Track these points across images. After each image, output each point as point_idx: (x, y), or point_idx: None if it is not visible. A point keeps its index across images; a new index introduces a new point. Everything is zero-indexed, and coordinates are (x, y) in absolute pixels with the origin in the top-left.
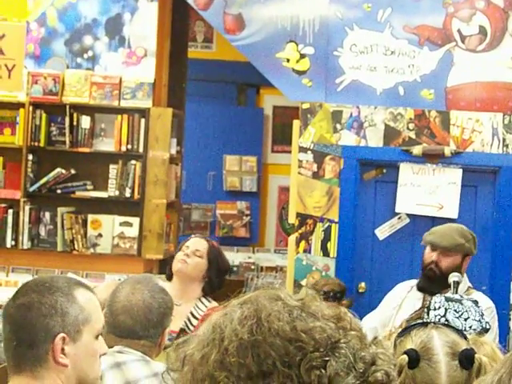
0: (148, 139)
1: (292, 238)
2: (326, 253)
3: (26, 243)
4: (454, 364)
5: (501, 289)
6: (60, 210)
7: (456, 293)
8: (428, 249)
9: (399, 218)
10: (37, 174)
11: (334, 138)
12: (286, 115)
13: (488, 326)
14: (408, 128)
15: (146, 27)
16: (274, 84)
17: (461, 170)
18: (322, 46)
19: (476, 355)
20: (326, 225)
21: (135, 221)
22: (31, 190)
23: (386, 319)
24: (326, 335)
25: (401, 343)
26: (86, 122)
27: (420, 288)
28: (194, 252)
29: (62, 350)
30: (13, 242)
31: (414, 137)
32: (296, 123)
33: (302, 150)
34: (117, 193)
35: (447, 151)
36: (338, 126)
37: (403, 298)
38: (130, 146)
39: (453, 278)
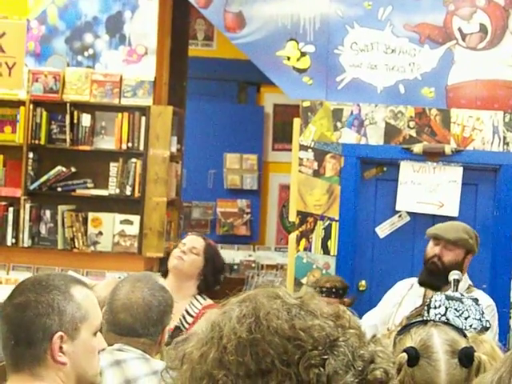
0: (148, 137)
1: (292, 236)
2: (326, 251)
3: (26, 241)
4: (453, 362)
5: (501, 287)
6: (60, 208)
7: (456, 291)
8: (431, 243)
9: (400, 216)
10: (37, 172)
11: (335, 136)
12: (286, 113)
13: (488, 325)
14: (408, 126)
15: (147, 25)
16: (274, 82)
17: (461, 168)
18: (322, 44)
19: (475, 353)
20: (327, 223)
21: (136, 219)
22: (32, 188)
23: (386, 317)
24: (325, 333)
25: (400, 341)
26: (86, 120)
27: (421, 282)
28: (190, 249)
29: (61, 348)
30: (13, 240)
31: (414, 135)
32: (296, 121)
33: (303, 148)
34: (117, 191)
35: (448, 149)
36: (339, 124)
37: (403, 296)
38: (130, 144)
39: (453, 276)
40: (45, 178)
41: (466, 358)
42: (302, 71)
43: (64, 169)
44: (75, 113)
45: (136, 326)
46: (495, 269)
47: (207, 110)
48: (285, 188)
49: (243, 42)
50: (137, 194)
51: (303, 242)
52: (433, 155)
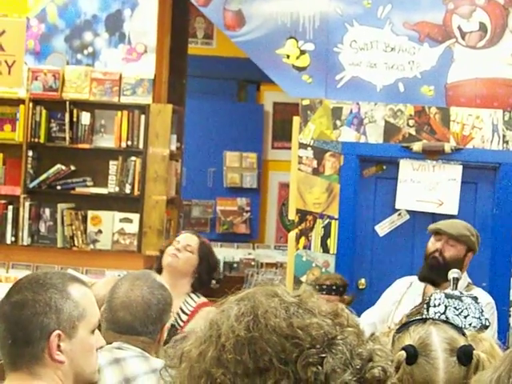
0: (148, 135)
1: (292, 235)
2: (325, 249)
3: (25, 239)
4: (452, 360)
5: (501, 285)
6: (60, 206)
7: (455, 289)
8: (432, 239)
9: (399, 214)
10: (37, 170)
11: (334, 135)
12: (286, 111)
13: (488, 323)
14: (408, 124)
15: (146, 23)
16: (274, 80)
17: (461, 167)
18: (322, 42)
19: (474, 351)
20: (326, 221)
21: (135, 217)
22: (31, 186)
23: (385, 315)
24: (323, 332)
25: (399, 339)
26: (85, 118)
27: (421, 277)
28: (185, 247)
29: (58, 346)
30: (13, 238)
31: (414, 133)
32: (296, 120)
33: (302, 146)
34: (117, 189)
35: (447, 148)
36: (338, 123)
37: (403, 294)
38: (129, 143)
39: (452, 274)
40: (44, 176)
41: (464, 356)
42: (301, 69)
43: (63, 167)
44: (75, 111)
45: (135, 324)
46: (495, 267)
47: (207, 108)
48: (284, 186)
49: (243, 40)
50: (136, 193)
51: (303, 240)
52: (432, 153)
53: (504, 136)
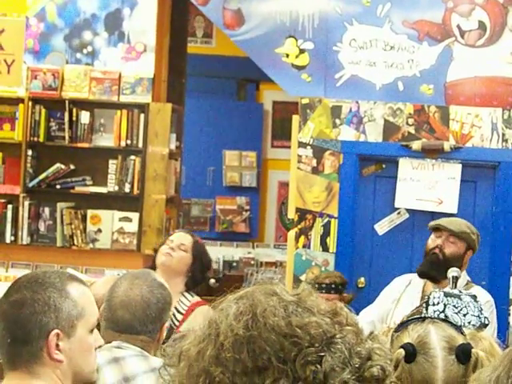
0: (147, 134)
1: (291, 233)
2: (325, 248)
3: (25, 238)
4: (450, 358)
5: (500, 284)
6: (59, 205)
7: (455, 288)
8: (432, 235)
9: (398, 213)
10: (36, 169)
11: (334, 133)
12: (285, 110)
13: (487, 321)
14: (407, 123)
15: (146, 22)
16: (273, 79)
17: (460, 165)
18: (321, 41)
19: (473, 350)
20: (326, 220)
21: (135, 216)
22: (30, 185)
23: (384, 313)
24: (322, 330)
25: (398, 338)
26: (85, 117)
27: (420, 273)
28: (178, 246)
29: (57, 345)
30: (12, 238)
31: (413, 132)
32: (295, 118)
33: (302, 145)
34: (116, 188)
35: (446, 146)
36: (338, 121)
37: (401, 292)
38: (129, 142)
39: (452, 273)
40: (44, 175)
41: (463, 354)
42: (300, 68)
43: (63, 166)
44: (74, 110)
45: (134, 323)
46: (494, 266)
47: (206, 107)
48: (284, 185)
49: (242, 39)
50: (136, 192)
51: (302, 239)
52: (432, 152)
53: (503, 134)
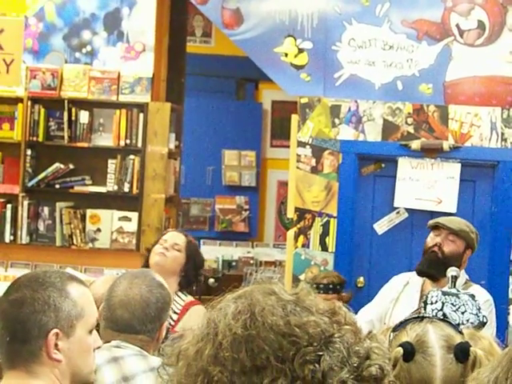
0: (146, 134)
1: (291, 233)
2: (324, 247)
3: (24, 238)
4: (449, 357)
5: (499, 283)
6: (59, 204)
7: (454, 287)
8: (432, 234)
9: (398, 212)
10: (35, 168)
11: (333, 133)
12: (284, 110)
13: (485, 320)
14: (406, 122)
15: (145, 22)
16: (272, 79)
17: (459, 165)
18: (320, 40)
19: (471, 348)
20: (325, 219)
21: (134, 215)
22: (30, 184)
23: (382, 312)
24: (320, 330)
25: (396, 337)
26: (84, 116)
27: (419, 271)
28: (172, 245)
29: (56, 345)
30: (11, 237)
31: (412, 131)
32: (294, 118)
33: (301, 144)
34: (115, 187)
35: (446, 146)
36: (337, 121)
37: (400, 292)
38: (128, 141)
39: (451, 272)
40: (43, 174)
41: (461, 353)
42: (299, 68)
43: (62, 166)
44: (73, 110)
45: (134, 322)
46: (493, 265)
47: (205, 106)
48: (283, 184)
49: (241, 39)
50: (135, 191)
51: (301, 238)
52: (431, 151)
53: (502, 134)
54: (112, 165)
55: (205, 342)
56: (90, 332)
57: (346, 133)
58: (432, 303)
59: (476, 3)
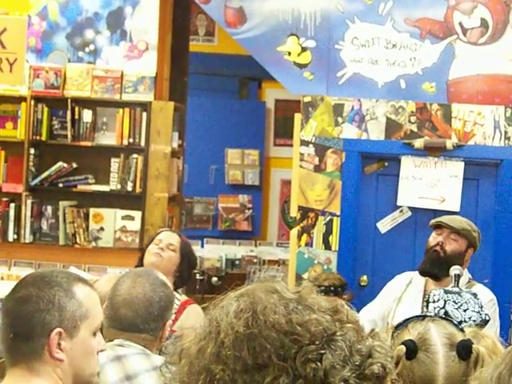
0: (150, 133)
1: (294, 232)
2: (327, 246)
3: (27, 237)
4: (451, 354)
5: (503, 282)
6: (62, 203)
7: (457, 286)
8: (434, 233)
9: (401, 211)
10: (39, 167)
11: (336, 132)
12: (288, 108)
13: (488, 318)
14: (409, 121)
15: (148, 21)
16: (275, 77)
17: (462, 163)
18: (323, 39)
19: (473, 346)
20: (328, 218)
21: (137, 214)
22: (33, 183)
23: (385, 311)
24: (322, 328)
25: (398, 336)
26: (87, 115)
27: (422, 271)
28: (167, 246)
29: (59, 344)
30: (15, 236)
31: (415, 130)
32: (297, 116)
33: (304, 143)
34: (118, 186)
35: (449, 144)
36: (340, 120)
37: (403, 292)
38: (131, 140)
39: (454, 271)
40: (46, 173)
41: (463, 350)
42: (302, 66)
43: (65, 164)
44: (76, 109)
45: (137, 321)
46: (497, 264)
47: (208, 105)
48: (286, 183)
49: (244, 38)
50: (138, 190)
51: (304, 237)
52: (434, 150)
53: (506, 132)
54: (115, 164)
55: (207, 340)
56: (94, 334)
57: (349, 131)
58: (434, 301)
59: (479, 1)
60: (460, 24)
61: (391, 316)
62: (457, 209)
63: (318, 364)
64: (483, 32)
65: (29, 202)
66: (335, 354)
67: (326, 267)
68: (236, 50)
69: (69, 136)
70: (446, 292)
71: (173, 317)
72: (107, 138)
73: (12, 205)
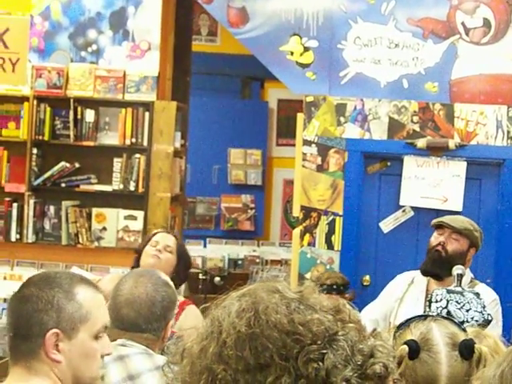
0: (152, 133)
1: (296, 232)
2: (330, 246)
3: (30, 237)
4: (454, 354)
5: (505, 282)
6: (64, 203)
7: (459, 285)
8: (435, 233)
9: (403, 210)
10: (41, 167)
11: (338, 131)
12: (290, 108)
13: (490, 318)
14: (412, 121)
15: (150, 20)
16: (277, 77)
17: (465, 163)
18: (325, 38)
19: (476, 345)
20: (331, 218)
21: (139, 214)
22: (36, 183)
23: (387, 311)
24: (324, 327)
25: (400, 336)
26: (90, 115)
27: (423, 271)
28: (164, 247)
29: (57, 345)
30: (17, 236)
31: (418, 130)
32: (300, 116)
33: (306, 143)
34: (121, 186)
35: (451, 144)
36: (342, 119)
37: (405, 292)
38: (134, 140)
39: (457, 270)
40: (49, 173)
41: (466, 349)
42: (305, 66)
43: (68, 164)
44: (79, 108)
45: (139, 321)
46: (499, 263)
47: (211, 105)
48: (289, 183)
49: (247, 37)
50: (141, 190)
51: (307, 237)
52: (436, 150)
53: (508, 132)
54: (118, 163)
55: (209, 340)
56: (96, 337)
57: (352, 131)
58: (437, 301)
59: (481, 1)
60: (462, 24)
61: (393, 316)
62: (459, 208)
63: (320, 364)
64: (486, 32)
65: (31, 201)
66: (337, 353)
67: (328, 267)
68: (238, 50)
69: (71, 136)
70: (449, 292)
71: None
72: (110, 138)
73: (15, 205)
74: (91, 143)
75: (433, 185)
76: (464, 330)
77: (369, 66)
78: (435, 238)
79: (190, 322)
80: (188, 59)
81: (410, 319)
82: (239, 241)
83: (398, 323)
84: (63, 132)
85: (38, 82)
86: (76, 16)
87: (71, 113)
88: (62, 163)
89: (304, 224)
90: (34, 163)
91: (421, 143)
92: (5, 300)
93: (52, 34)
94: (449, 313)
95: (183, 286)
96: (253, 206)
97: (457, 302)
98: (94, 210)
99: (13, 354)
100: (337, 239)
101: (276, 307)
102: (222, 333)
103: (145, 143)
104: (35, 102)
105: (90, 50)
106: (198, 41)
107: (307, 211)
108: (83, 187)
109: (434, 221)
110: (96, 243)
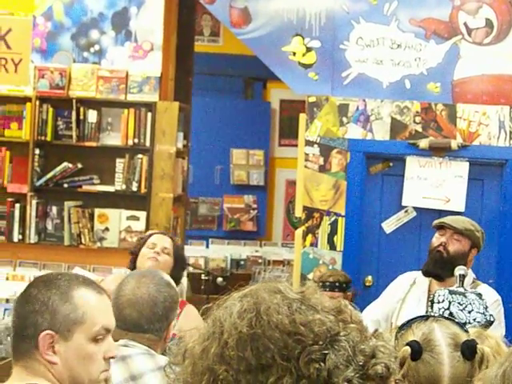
0: (155, 133)
1: (299, 232)
2: (332, 246)
3: (33, 237)
4: (456, 355)
5: (507, 282)
6: (67, 204)
7: (462, 286)
8: (437, 234)
9: (406, 211)
10: (44, 168)
11: (341, 132)
12: (293, 109)
13: (492, 319)
14: (414, 121)
15: (153, 21)
16: (280, 77)
17: (467, 164)
18: (328, 39)
19: (478, 346)
20: (333, 218)
21: (142, 215)
22: (38, 184)
23: (389, 311)
24: (326, 328)
25: (402, 336)
26: (92, 116)
27: (425, 271)
28: (162, 249)
29: (52, 347)
30: (20, 236)
31: (420, 130)
32: (302, 117)
33: (309, 143)
34: (123, 187)
35: (454, 144)
36: (345, 120)
37: (406, 292)
38: (136, 140)
39: (459, 271)
40: (51, 174)
41: (468, 350)
42: (307, 66)
43: (70, 165)
44: (81, 109)
45: (141, 321)
46: (501, 264)
47: (213, 105)
48: (291, 183)
49: (249, 38)
50: (143, 190)
51: (309, 237)
52: (439, 150)
53: (511, 132)
54: (120, 164)
55: (210, 340)
56: (95, 339)
57: (354, 132)
58: (439, 302)
59: (484, 2)
60: (465, 24)
61: (395, 316)
62: (462, 209)
63: (322, 364)
64: (488, 32)
65: (34, 202)
66: (339, 354)
67: (330, 267)
68: (241, 51)
69: (74, 136)
70: (451, 293)
71: None
72: (112, 139)
73: (17, 205)
74: (94, 144)
75: (435, 185)
76: (466, 330)
77: (371, 66)
78: (437, 239)
79: (189, 323)
80: (190, 60)
81: (411, 320)
82: (241, 241)
83: (400, 324)
84: (66, 132)
85: (41, 83)
86: (78, 16)
87: (74, 113)
88: (65, 164)
89: (306, 224)
90: (36, 164)
91: (423, 144)
92: (7, 300)
93: (54, 34)
94: (451, 314)
95: (185, 287)
96: (255, 206)
97: (459, 303)
98: (97, 211)
99: (13, 353)
100: (339, 240)
101: (278, 308)
102: (223, 333)
103: (147, 144)
104: (38, 103)
105: (92, 50)
106: (201, 41)
107: (309, 212)
108: (85, 188)
109: (436, 221)
110: (98, 244)
